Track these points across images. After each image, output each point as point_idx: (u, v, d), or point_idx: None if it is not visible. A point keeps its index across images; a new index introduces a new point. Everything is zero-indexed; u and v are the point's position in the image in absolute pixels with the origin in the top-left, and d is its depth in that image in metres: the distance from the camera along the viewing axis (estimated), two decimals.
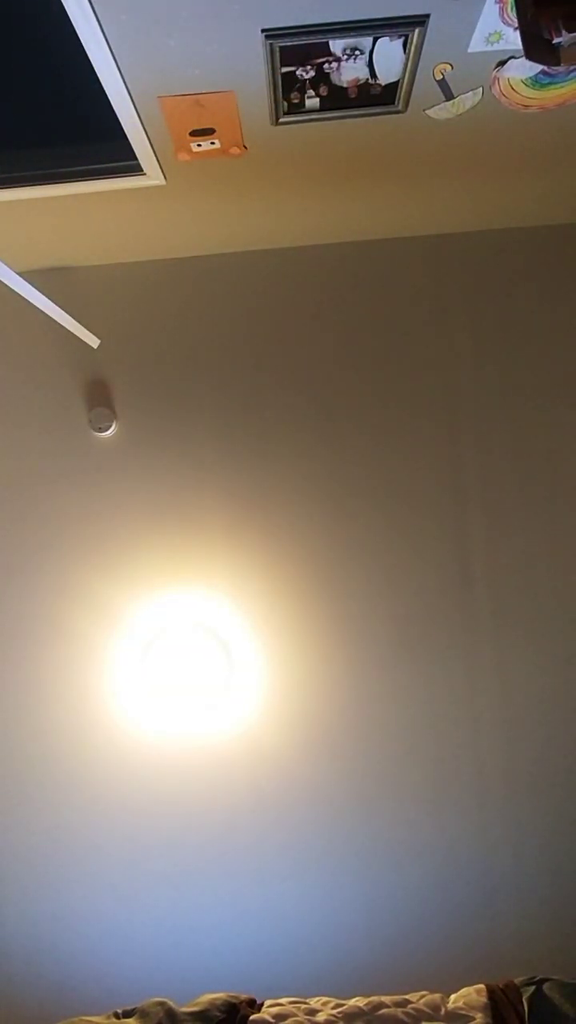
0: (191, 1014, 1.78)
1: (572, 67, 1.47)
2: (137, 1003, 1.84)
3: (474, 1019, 1.74)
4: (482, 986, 1.82)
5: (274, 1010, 1.81)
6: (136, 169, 1.77)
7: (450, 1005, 1.79)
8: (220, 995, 1.85)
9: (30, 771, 2.30)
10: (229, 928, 2.27)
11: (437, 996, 1.82)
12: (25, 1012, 2.21)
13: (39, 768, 2.30)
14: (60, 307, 1.86)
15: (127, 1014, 1.82)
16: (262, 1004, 1.85)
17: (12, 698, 2.31)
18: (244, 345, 2.34)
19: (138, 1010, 1.81)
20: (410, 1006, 1.80)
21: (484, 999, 1.77)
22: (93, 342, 2.19)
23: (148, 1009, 1.80)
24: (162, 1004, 1.81)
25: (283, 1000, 1.86)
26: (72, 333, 2.05)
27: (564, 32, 1.28)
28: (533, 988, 1.75)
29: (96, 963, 2.27)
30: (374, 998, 1.82)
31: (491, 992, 1.79)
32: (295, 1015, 1.79)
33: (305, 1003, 1.85)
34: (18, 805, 2.29)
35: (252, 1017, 1.78)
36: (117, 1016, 1.81)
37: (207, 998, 1.84)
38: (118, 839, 2.28)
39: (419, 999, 1.82)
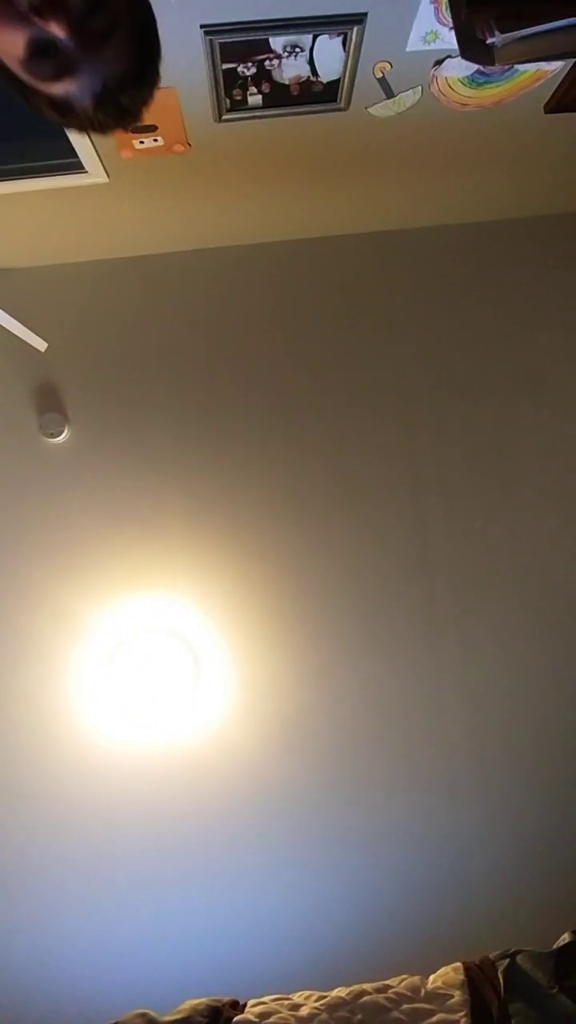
0: (174, 1022, 1.77)
1: (507, 67, 1.51)
2: (118, 1016, 1.81)
3: (452, 996, 1.79)
4: (459, 964, 1.87)
5: (257, 1009, 1.82)
6: (78, 167, 1.72)
7: (429, 986, 1.83)
8: (202, 1000, 1.84)
9: None
10: (208, 932, 2.26)
11: (416, 978, 1.86)
12: None
13: (4, 782, 2.23)
14: (4, 310, 1.80)
15: None
16: (245, 1004, 1.85)
17: None
18: (197, 344, 2.31)
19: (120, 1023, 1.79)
20: (391, 991, 1.83)
21: (461, 976, 1.82)
22: (40, 345, 2.13)
23: (130, 1022, 1.78)
24: (144, 1015, 1.79)
25: (266, 998, 1.87)
26: (18, 337, 1.99)
27: (497, 32, 1.31)
28: (507, 961, 1.81)
29: (73, 979, 2.22)
30: (355, 987, 1.85)
31: (468, 969, 1.84)
32: (279, 1012, 1.79)
33: (288, 999, 1.86)
34: None
35: (236, 1019, 1.77)
36: None
37: (189, 1004, 1.83)
38: (88, 850, 2.23)
39: (399, 983, 1.85)
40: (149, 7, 0.70)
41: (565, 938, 1.84)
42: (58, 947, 2.23)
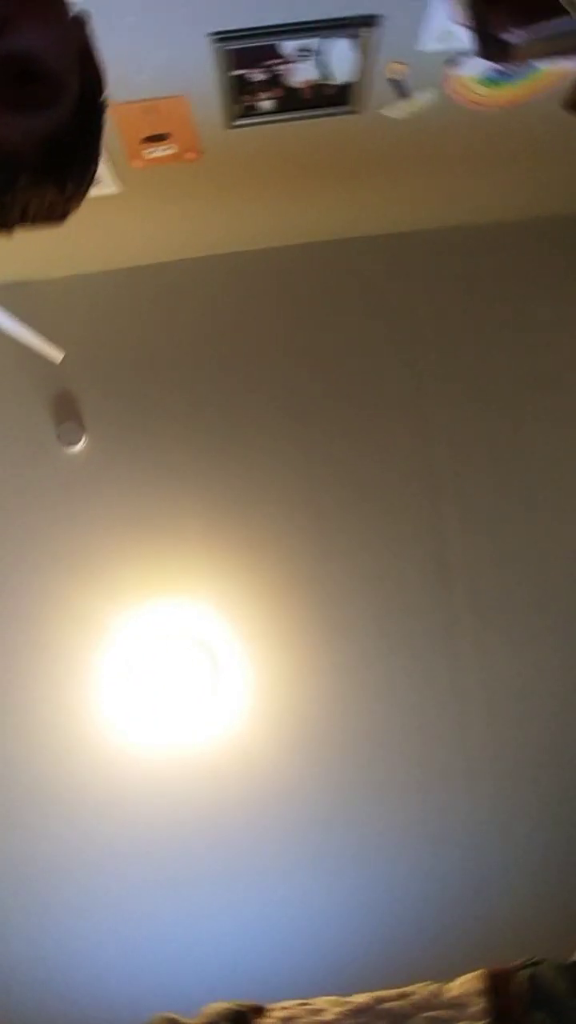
0: None
1: (524, 65, 1.47)
2: (143, 1020, 1.84)
3: (474, 1004, 1.78)
4: (481, 972, 1.86)
5: (280, 1014, 1.83)
6: None
7: (450, 993, 1.83)
8: (226, 1004, 1.86)
9: (17, 790, 2.26)
10: (230, 936, 2.28)
11: (437, 986, 1.86)
12: None
13: (27, 787, 2.26)
14: (19, 322, 1.81)
15: None
16: (268, 1009, 1.86)
17: None
18: (211, 351, 2.31)
19: None
20: (412, 997, 1.83)
21: (483, 984, 1.82)
22: (56, 356, 2.14)
23: None
24: (168, 1019, 1.81)
25: (288, 1003, 1.88)
26: (34, 349, 2.00)
27: (514, 30, 1.28)
28: (530, 970, 1.80)
29: (99, 983, 2.25)
30: (377, 993, 1.85)
31: (489, 977, 1.83)
32: (301, 1017, 1.81)
33: (310, 1004, 1.87)
34: (6, 825, 2.26)
35: (259, 1023, 1.79)
36: None
37: (213, 1008, 1.85)
38: (109, 854, 2.26)
39: (421, 990, 1.85)
40: (100, 129, 0.57)
41: None
42: (81, 950, 2.27)
